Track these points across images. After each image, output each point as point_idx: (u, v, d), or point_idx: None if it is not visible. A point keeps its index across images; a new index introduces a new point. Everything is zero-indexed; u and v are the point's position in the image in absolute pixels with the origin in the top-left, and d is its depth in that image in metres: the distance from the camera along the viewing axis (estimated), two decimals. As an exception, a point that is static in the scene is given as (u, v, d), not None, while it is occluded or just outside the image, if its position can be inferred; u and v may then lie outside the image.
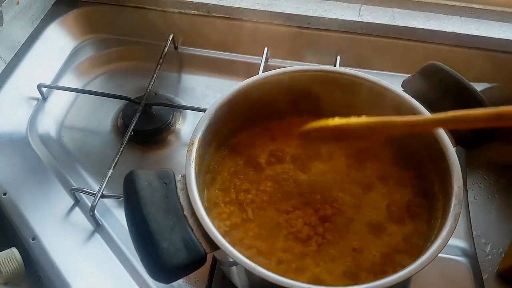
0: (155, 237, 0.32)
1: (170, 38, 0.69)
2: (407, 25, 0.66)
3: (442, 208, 0.37)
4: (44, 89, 0.64)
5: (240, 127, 0.47)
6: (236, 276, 0.41)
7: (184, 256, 0.32)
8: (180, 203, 0.36)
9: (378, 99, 0.44)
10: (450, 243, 0.51)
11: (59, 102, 0.65)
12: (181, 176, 0.38)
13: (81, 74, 0.69)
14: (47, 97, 0.65)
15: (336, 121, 0.38)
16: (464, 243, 0.52)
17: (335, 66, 0.65)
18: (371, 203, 0.42)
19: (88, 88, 0.68)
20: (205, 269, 0.48)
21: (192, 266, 0.32)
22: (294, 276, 0.36)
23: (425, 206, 0.41)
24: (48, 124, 0.63)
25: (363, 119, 0.36)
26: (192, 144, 0.40)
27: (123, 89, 0.68)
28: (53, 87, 0.65)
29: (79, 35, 0.72)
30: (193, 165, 0.38)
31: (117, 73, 0.71)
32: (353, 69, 0.67)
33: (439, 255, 0.49)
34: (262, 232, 0.40)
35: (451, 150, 0.38)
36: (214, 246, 0.34)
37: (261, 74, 0.45)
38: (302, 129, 0.40)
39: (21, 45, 0.67)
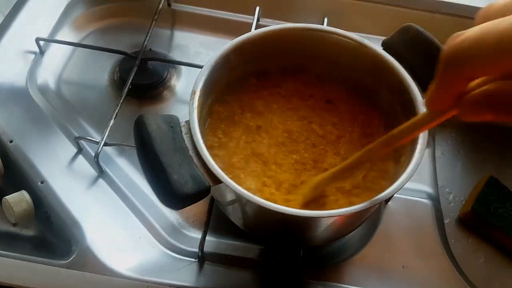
0: (167, 170, 0.37)
1: (164, -5, 0.71)
2: (388, -10, 0.71)
3: (410, 147, 0.43)
4: (41, 43, 0.66)
5: (235, 82, 0.52)
6: (233, 210, 0.47)
7: (191, 187, 0.37)
8: (185, 144, 0.41)
9: (360, 56, 0.49)
10: (417, 188, 0.59)
11: (56, 56, 0.68)
12: (185, 121, 0.42)
13: (76, 29, 0.71)
14: (44, 51, 0.67)
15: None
16: (429, 188, 0.59)
17: (322, 27, 0.69)
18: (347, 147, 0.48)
19: (84, 43, 0.71)
20: (202, 210, 0.54)
21: (198, 195, 0.37)
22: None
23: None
24: (46, 77, 0.66)
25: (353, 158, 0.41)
26: (194, 93, 0.44)
27: (118, 44, 0.70)
28: (50, 40, 0.67)
29: (73, -12, 0.74)
30: (195, 112, 0.43)
31: (111, 29, 0.73)
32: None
33: (407, 196, 0.57)
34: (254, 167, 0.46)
35: (420, 101, 0.44)
36: (216, 180, 0.39)
37: (260, 30, 0.49)
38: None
39: (18, -3, 0.69)
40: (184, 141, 0.41)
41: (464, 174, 0.74)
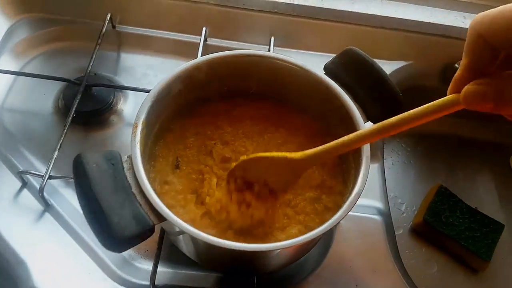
0: (106, 213, 0.36)
1: (108, 17, 0.69)
2: (334, 7, 0.72)
3: (354, 175, 0.44)
4: (-20, 72, 0.63)
5: (180, 109, 0.51)
6: (183, 243, 0.46)
7: (133, 228, 0.36)
8: (128, 181, 0.40)
9: (303, 80, 0.49)
10: (368, 204, 0.60)
11: (-3, 84, 0.65)
12: (127, 157, 0.42)
13: (18, 55, 0.69)
14: (-17, 80, 0.64)
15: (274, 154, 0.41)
16: (380, 203, 0.60)
17: (269, 46, 0.69)
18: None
19: (27, 69, 0.68)
20: (154, 240, 0.53)
21: (141, 236, 0.37)
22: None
23: (340, 173, 0.48)
24: (-13, 107, 0.63)
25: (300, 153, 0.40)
26: (136, 126, 0.43)
27: (63, 69, 0.68)
28: (-11, 70, 0.64)
29: (13, 14, 0.70)
30: (138, 146, 0.42)
31: (55, 54, 0.71)
32: (285, 49, 0.73)
33: (359, 214, 0.58)
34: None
35: (362, 125, 0.45)
36: (161, 218, 0.38)
37: (200, 58, 0.49)
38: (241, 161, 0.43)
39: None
40: (126, 178, 0.40)
41: (415, 183, 0.77)
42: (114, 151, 0.41)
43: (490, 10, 0.27)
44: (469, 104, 0.28)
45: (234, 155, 0.50)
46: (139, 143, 0.42)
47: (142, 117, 0.44)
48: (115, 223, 0.36)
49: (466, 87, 0.28)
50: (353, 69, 0.48)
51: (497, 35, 0.26)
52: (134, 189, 0.39)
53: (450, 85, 0.30)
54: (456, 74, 0.30)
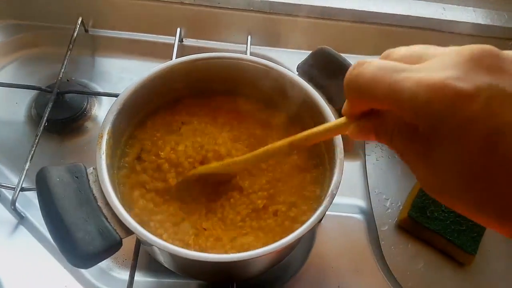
0: (70, 228, 0.35)
1: (79, 21, 0.68)
2: (311, 3, 0.71)
3: (329, 177, 0.43)
4: None
5: (149, 115, 0.50)
6: (158, 254, 0.45)
7: (99, 244, 0.35)
8: (93, 194, 0.39)
9: (275, 81, 0.48)
10: (350, 202, 0.59)
11: (-33, 94, 0.63)
12: (93, 168, 0.40)
13: (-11, 63, 0.67)
14: (-47, 90, 0.63)
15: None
16: (362, 202, 0.60)
17: (246, 45, 0.68)
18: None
19: (-3, 78, 0.66)
20: (131, 249, 0.52)
21: (108, 251, 0.36)
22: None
23: (318, 175, 0.47)
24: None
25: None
26: (102, 137, 0.42)
27: (36, 76, 0.67)
28: (-43, 79, 0.63)
29: (-19, 21, 0.69)
30: (103, 157, 0.41)
31: (27, 60, 0.69)
32: (263, 47, 0.72)
33: (341, 213, 0.57)
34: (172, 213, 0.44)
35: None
36: (128, 231, 0.37)
37: (164, 64, 0.47)
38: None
39: None
40: (92, 191, 0.39)
41: (400, 178, 0.75)
42: (78, 164, 0.40)
43: (365, 67, 0.27)
44: (356, 139, 0.32)
45: (207, 142, 0.49)
46: (104, 153, 0.41)
47: (108, 126, 0.43)
48: (79, 238, 0.35)
49: (351, 126, 0.31)
50: (325, 69, 0.47)
51: (376, 97, 0.27)
52: (100, 203, 0.38)
53: (343, 108, 0.32)
54: (344, 105, 0.32)
